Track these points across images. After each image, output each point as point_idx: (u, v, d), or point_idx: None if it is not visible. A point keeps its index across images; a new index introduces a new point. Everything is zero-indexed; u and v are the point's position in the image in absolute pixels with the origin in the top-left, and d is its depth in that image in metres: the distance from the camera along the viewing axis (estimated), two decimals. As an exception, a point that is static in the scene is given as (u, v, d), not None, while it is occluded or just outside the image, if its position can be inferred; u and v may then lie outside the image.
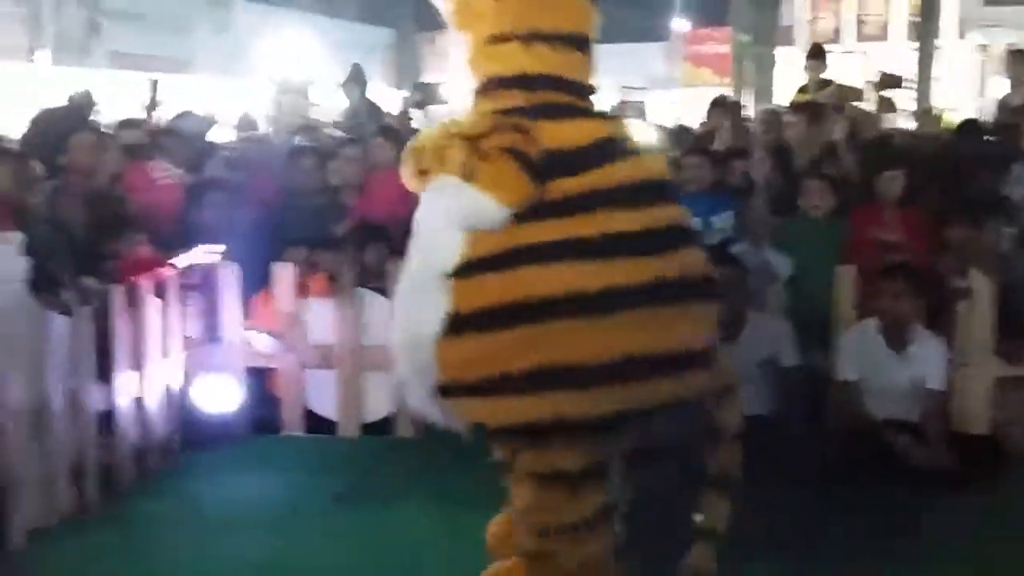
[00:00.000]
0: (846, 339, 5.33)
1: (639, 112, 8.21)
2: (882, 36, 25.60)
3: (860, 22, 26.38)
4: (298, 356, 5.87)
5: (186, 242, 5.79)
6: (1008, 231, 5.82)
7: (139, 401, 5.29)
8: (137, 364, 5.28)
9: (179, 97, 8.92)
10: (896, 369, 5.19)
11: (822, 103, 7.31)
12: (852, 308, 5.52)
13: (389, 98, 9.92)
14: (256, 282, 5.95)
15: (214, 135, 8.15)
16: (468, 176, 3.20)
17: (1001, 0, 17.24)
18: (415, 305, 3.29)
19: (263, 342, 5.86)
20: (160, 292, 5.43)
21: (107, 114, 7.97)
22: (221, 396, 5.70)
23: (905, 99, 11.86)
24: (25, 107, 7.30)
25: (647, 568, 3.72)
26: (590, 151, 3.35)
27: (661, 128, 8.19)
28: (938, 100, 14.98)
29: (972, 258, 5.50)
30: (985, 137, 6.82)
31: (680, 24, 28.68)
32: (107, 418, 5.03)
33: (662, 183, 3.51)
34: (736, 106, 8.80)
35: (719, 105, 8.00)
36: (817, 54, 8.09)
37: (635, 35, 28.49)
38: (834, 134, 6.55)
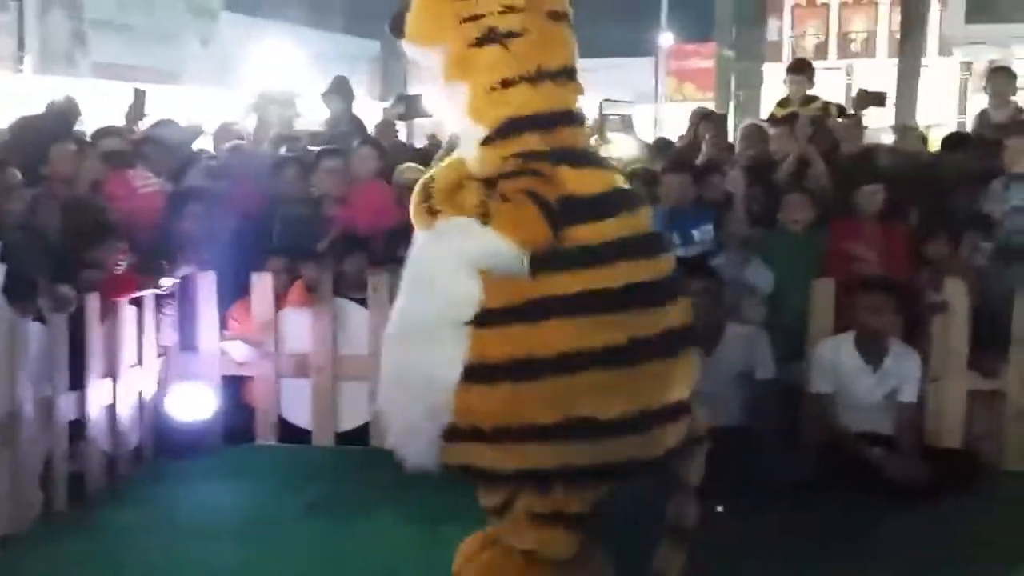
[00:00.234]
0: (820, 352, 5.34)
1: (627, 126, 8.20)
2: (867, 53, 25.75)
3: (845, 39, 26.53)
4: (273, 365, 5.85)
5: (166, 251, 5.77)
6: (985, 246, 5.83)
7: (112, 409, 5.27)
8: (111, 372, 5.26)
9: (164, 108, 8.89)
10: (870, 382, 5.21)
11: (815, 116, 7.32)
12: (829, 321, 5.53)
13: (374, 110, 9.91)
14: (234, 291, 5.94)
15: (199, 144, 8.13)
16: (485, 218, 3.21)
17: (983, 18, 17.36)
18: (430, 349, 3.28)
19: (239, 351, 5.84)
20: (135, 300, 5.41)
21: (91, 124, 7.94)
22: (195, 404, 5.68)
23: (887, 115, 11.92)
24: (8, 116, 7.26)
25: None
26: (606, 200, 3.41)
27: (645, 143, 8.21)
28: (920, 117, 15.04)
29: (949, 273, 5.52)
30: (966, 153, 6.83)
31: (666, 39, 28.79)
32: (79, 425, 5.01)
33: (660, 233, 3.67)
34: (720, 119, 8.82)
35: (707, 118, 8.01)
36: (802, 69, 8.08)
37: (621, 50, 28.63)
38: (804, 146, 6.55)
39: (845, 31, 26.58)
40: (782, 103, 7.92)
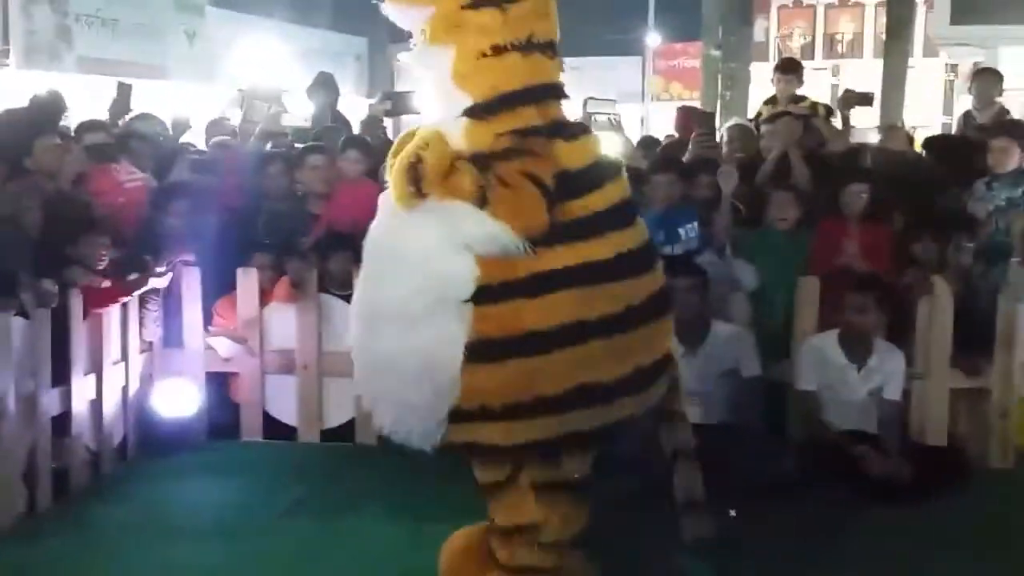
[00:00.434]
0: (805, 350, 5.35)
1: (616, 126, 8.17)
2: (853, 54, 25.85)
3: (832, 40, 26.62)
4: (258, 361, 5.83)
5: (150, 246, 5.75)
6: (968, 246, 5.85)
7: (96, 405, 5.24)
8: (95, 367, 5.23)
9: (150, 103, 8.84)
10: (855, 380, 5.22)
11: (798, 115, 7.32)
12: (814, 319, 5.55)
13: (360, 107, 9.89)
14: (220, 286, 5.92)
15: (186, 139, 8.09)
16: (482, 203, 3.15)
17: (968, 19, 17.41)
18: (429, 330, 3.21)
19: (224, 346, 5.82)
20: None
21: (77, 118, 7.89)
22: (180, 401, 5.66)
23: (874, 116, 11.95)
24: (-7, 111, 7.22)
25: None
26: (594, 171, 3.42)
27: (632, 142, 8.18)
28: (906, 118, 15.09)
29: (934, 272, 5.54)
30: (948, 155, 6.85)
31: (653, 39, 28.84)
32: (62, 421, 4.98)
33: (634, 201, 3.64)
34: (708, 117, 8.82)
35: (697, 117, 8.01)
36: (791, 68, 8.06)
37: (609, 49, 28.67)
38: (788, 145, 6.56)
39: (831, 32, 26.68)
40: (769, 102, 7.92)
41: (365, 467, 5.32)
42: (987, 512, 4.80)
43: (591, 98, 8.29)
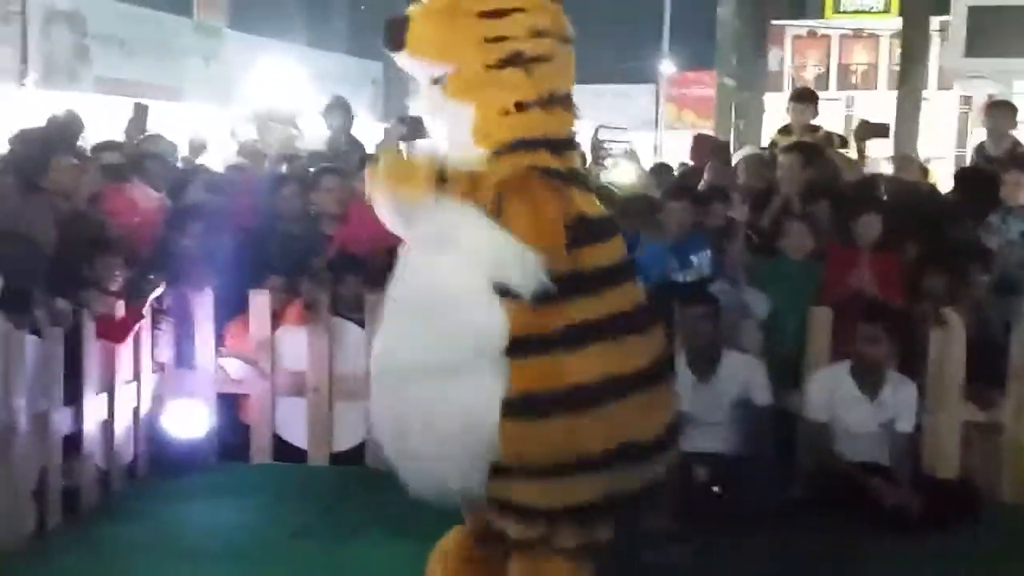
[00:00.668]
0: (817, 380, 5.33)
1: (631, 155, 8.20)
2: (867, 85, 25.86)
3: (846, 70, 26.65)
4: (269, 383, 5.84)
5: (164, 266, 5.77)
6: (982, 279, 5.83)
7: (107, 424, 5.25)
8: (106, 387, 5.25)
9: (166, 124, 8.91)
10: (867, 412, 5.19)
11: (813, 144, 7.34)
12: (826, 349, 5.53)
13: (375, 131, 9.93)
14: (232, 308, 5.93)
15: (203, 160, 8.14)
16: (496, 211, 3.12)
17: (983, 52, 17.42)
18: (468, 385, 3.14)
19: (235, 368, 5.83)
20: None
21: (94, 138, 7.95)
22: (190, 421, 5.66)
23: (887, 147, 11.94)
24: (11, 130, 7.27)
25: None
26: (607, 222, 3.46)
27: (646, 171, 8.20)
28: (920, 150, 15.10)
29: (947, 304, 5.52)
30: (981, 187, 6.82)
31: (666, 67, 28.92)
32: (73, 440, 4.99)
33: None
34: (724, 147, 8.84)
35: (712, 146, 8.03)
36: (806, 97, 8.07)
37: (622, 76, 28.75)
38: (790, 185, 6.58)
39: (845, 63, 26.70)
40: (783, 131, 7.93)
41: (374, 490, 5.30)
42: (997, 547, 4.76)
43: (602, 126, 8.32)
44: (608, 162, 7.51)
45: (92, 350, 5.10)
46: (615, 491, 3.31)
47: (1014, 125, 7.73)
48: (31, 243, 5.27)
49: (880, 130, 7.51)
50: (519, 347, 3.15)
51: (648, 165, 9.57)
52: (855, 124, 7.79)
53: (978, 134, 12.13)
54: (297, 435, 5.85)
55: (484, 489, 3.23)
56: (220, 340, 5.90)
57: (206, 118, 14.88)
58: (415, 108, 3.66)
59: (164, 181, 6.84)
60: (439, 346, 3.14)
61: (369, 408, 3.48)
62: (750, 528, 4.65)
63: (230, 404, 5.92)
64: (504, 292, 3.16)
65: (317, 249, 6.27)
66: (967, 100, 22.19)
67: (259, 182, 6.97)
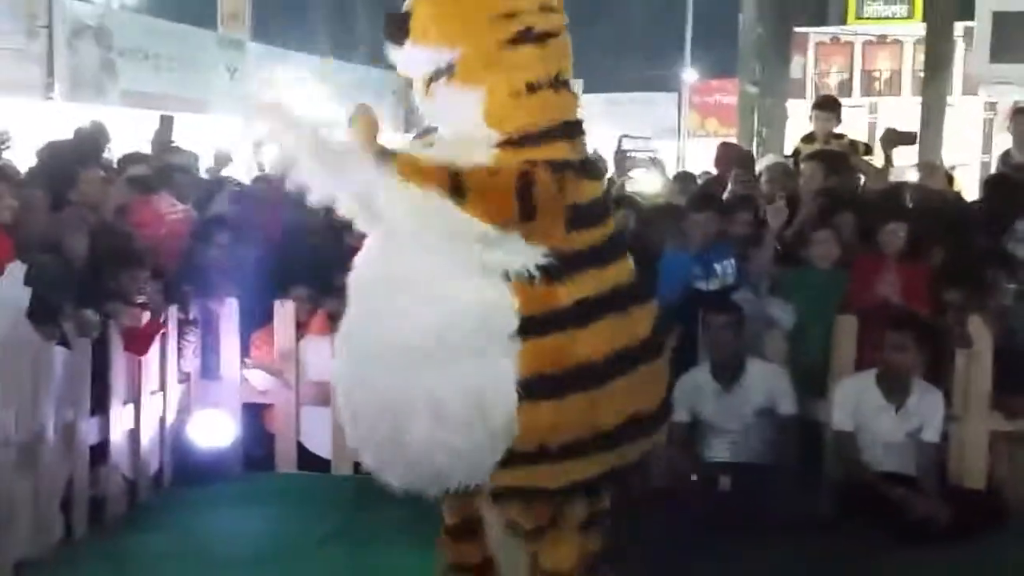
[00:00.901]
0: (843, 389, 5.31)
1: (656, 163, 8.18)
2: (891, 91, 25.77)
3: (870, 77, 26.56)
4: (294, 393, 5.86)
5: (190, 278, 5.81)
6: (1009, 287, 5.79)
7: (133, 434, 5.29)
8: (133, 397, 5.28)
9: (191, 136, 8.96)
10: (893, 421, 5.17)
11: (838, 152, 7.31)
12: (851, 358, 5.51)
13: (397, 141, 9.95)
14: (257, 318, 5.96)
15: (228, 172, 8.19)
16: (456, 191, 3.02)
17: (1008, 57, 17.34)
18: (477, 368, 3.05)
19: (260, 378, 5.86)
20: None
21: (120, 151, 8.00)
22: (216, 431, 5.69)
23: (912, 154, 11.88)
24: (38, 143, 7.34)
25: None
26: (605, 202, 3.44)
27: (670, 180, 8.19)
28: (945, 156, 15.02)
29: (973, 313, 5.49)
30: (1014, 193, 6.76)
31: (689, 75, 28.92)
32: (100, 449, 5.03)
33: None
34: (747, 156, 8.82)
35: (736, 154, 8.00)
36: (829, 105, 8.04)
37: (645, 85, 28.77)
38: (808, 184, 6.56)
39: (869, 69, 26.61)
40: (807, 139, 7.90)
41: (398, 500, 5.28)
42: (1026, 557, 4.73)
43: (626, 136, 8.31)
44: (633, 172, 7.49)
45: (119, 361, 5.14)
46: (621, 462, 3.30)
47: (1040, 131, 7.68)
48: (60, 255, 5.32)
49: (907, 137, 7.48)
50: (531, 326, 3.09)
51: (671, 173, 9.57)
52: (882, 132, 7.74)
53: (1003, 140, 12.06)
54: (321, 445, 5.87)
55: (490, 477, 3.14)
56: (245, 351, 5.93)
57: (231, 130, 15.01)
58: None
59: (191, 192, 6.88)
60: (445, 326, 3.04)
61: (342, 396, 3.32)
62: (775, 538, 4.63)
63: (255, 414, 5.95)
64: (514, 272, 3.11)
65: (342, 260, 6.28)
66: (992, 106, 22.07)
67: (282, 192, 7.00)
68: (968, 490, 5.29)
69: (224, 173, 8.02)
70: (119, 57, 16.12)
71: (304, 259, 6.32)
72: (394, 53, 3.30)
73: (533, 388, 3.07)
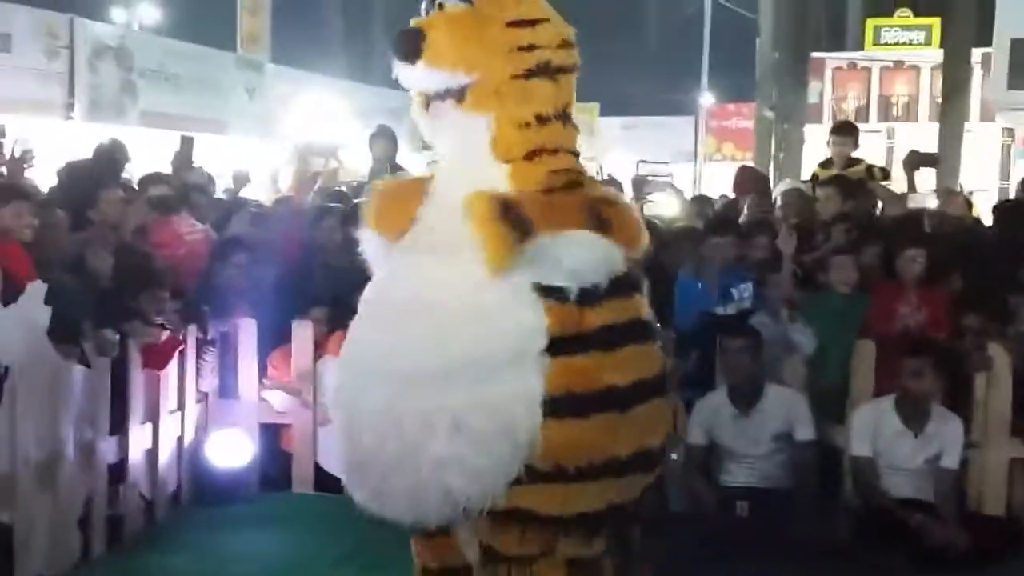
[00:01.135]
0: (861, 415, 5.29)
1: (675, 189, 8.20)
2: (908, 117, 25.73)
3: (887, 102, 26.53)
4: (311, 414, 5.87)
5: (209, 298, 5.84)
6: (1027, 313, 5.76)
7: (151, 453, 5.30)
8: (151, 416, 5.30)
9: (210, 156, 9.03)
10: (912, 447, 5.14)
11: (855, 178, 7.31)
12: (870, 383, 5.49)
13: (415, 163, 10.01)
14: (275, 338, 5.98)
15: (246, 193, 8.24)
16: (600, 227, 3.12)
17: (1025, 84, 17.34)
18: (506, 386, 3.06)
19: (278, 398, 5.88)
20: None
21: (139, 171, 8.05)
22: (233, 451, 5.70)
23: (930, 179, 11.87)
24: (59, 163, 7.40)
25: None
26: None
27: (687, 203, 8.20)
28: (963, 182, 14.99)
29: (992, 339, 5.47)
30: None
31: (706, 99, 28.96)
32: (118, 468, 5.04)
33: None
34: (763, 180, 8.82)
35: (754, 178, 8.01)
36: (847, 130, 8.04)
37: (662, 108, 28.80)
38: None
39: (886, 94, 26.59)
40: (824, 164, 7.90)
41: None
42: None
43: (643, 161, 8.33)
44: (652, 197, 7.53)
45: (137, 380, 5.17)
46: (620, 499, 3.29)
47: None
48: (80, 275, 5.35)
49: (930, 159, 7.46)
50: (560, 346, 3.11)
51: (687, 197, 9.58)
52: (906, 155, 7.74)
53: (1021, 166, 12.03)
54: (339, 465, 5.86)
55: (499, 498, 3.12)
56: (263, 371, 5.95)
57: (250, 151, 15.08)
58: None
59: (210, 213, 6.92)
60: (479, 347, 3.05)
61: (346, 416, 3.32)
62: (792, 564, 4.60)
63: (272, 434, 5.96)
64: (546, 292, 3.14)
65: (360, 281, 6.30)
66: (1010, 132, 22.01)
67: (302, 214, 7.04)
68: (987, 516, 5.26)
69: (242, 194, 8.07)
70: (139, 78, 16.24)
71: (321, 280, 6.35)
72: (402, 69, 3.30)
73: (559, 406, 3.09)
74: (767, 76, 17.81)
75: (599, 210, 3.14)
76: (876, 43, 26.48)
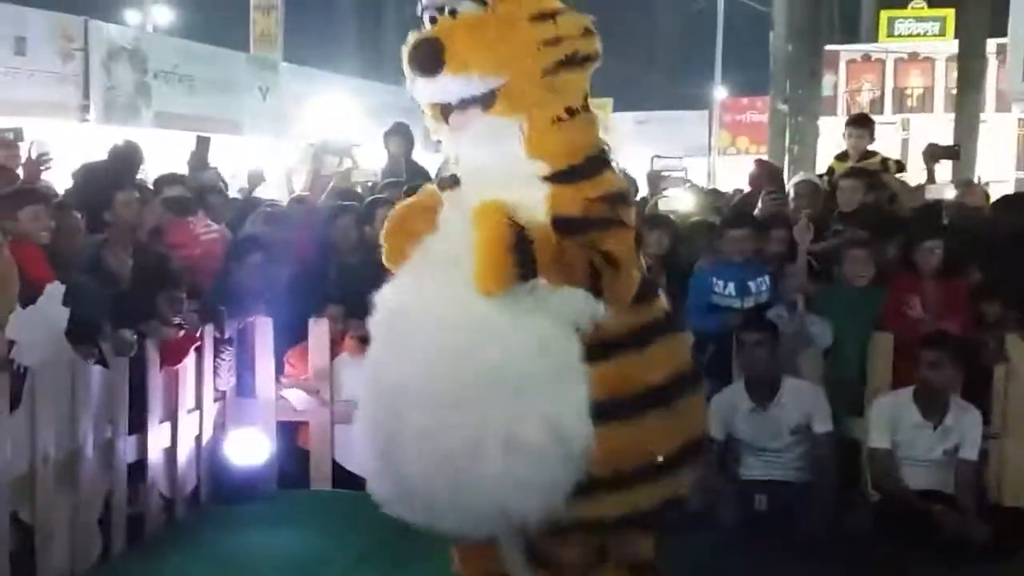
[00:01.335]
0: (879, 407, 5.27)
1: (692, 185, 8.19)
2: (923, 108, 25.62)
3: (901, 94, 26.42)
4: (329, 411, 5.88)
5: (225, 297, 5.86)
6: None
7: (170, 452, 5.32)
8: (170, 415, 5.32)
9: (225, 156, 9.05)
10: (931, 439, 5.13)
11: (871, 170, 7.28)
12: (888, 375, 5.47)
13: (428, 161, 10.03)
14: (292, 337, 6.00)
15: (261, 192, 8.26)
16: (593, 285, 3.05)
17: (1043, 75, 17.25)
18: (552, 397, 3.01)
19: (295, 396, 5.89)
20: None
21: (154, 172, 8.08)
22: (251, 449, 5.72)
23: (947, 171, 11.80)
24: (74, 165, 7.44)
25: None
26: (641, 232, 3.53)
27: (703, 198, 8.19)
28: (979, 173, 14.93)
29: (1011, 331, 5.44)
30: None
31: (720, 93, 28.89)
32: (137, 467, 5.07)
33: None
34: (778, 173, 8.79)
35: (769, 172, 7.99)
36: (862, 123, 8.01)
37: (676, 103, 28.75)
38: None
39: (901, 86, 26.48)
40: (840, 157, 7.87)
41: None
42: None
43: (657, 156, 8.31)
44: (668, 192, 7.52)
45: (156, 380, 5.19)
46: (674, 494, 3.29)
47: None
48: (97, 276, 5.37)
49: (950, 152, 7.43)
50: (594, 352, 3.09)
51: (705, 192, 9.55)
52: (925, 147, 7.70)
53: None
54: (356, 463, 5.88)
55: (558, 510, 3.06)
56: (280, 369, 5.96)
57: (264, 150, 15.12)
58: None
59: (225, 213, 6.94)
60: (507, 361, 2.99)
61: (385, 442, 3.23)
62: (811, 557, 4.59)
63: (290, 432, 5.98)
64: None
65: (375, 280, 6.31)
66: (1025, 123, 21.90)
67: (317, 213, 7.06)
68: (1007, 508, 5.23)
69: (257, 193, 8.09)
70: (153, 79, 16.32)
71: (336, 279, 6.36)
72: (422, 84, 3.18)
73: (608, 411, 3.06)
74: (781, 69, 17.75)
75: (597, 262, 3.09)
76: (890, 35, 26.38)
